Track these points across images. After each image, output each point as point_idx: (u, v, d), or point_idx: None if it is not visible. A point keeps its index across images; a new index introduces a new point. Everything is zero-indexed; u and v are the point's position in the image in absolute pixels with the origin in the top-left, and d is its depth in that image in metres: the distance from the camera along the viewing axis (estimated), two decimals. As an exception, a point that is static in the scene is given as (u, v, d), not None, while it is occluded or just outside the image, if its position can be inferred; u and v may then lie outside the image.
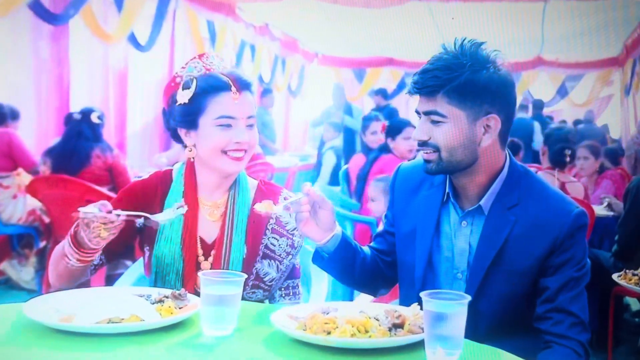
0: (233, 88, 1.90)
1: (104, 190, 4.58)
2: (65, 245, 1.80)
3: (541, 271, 1.77)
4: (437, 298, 1.38)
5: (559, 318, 1.73)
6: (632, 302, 4.80)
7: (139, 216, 1.76)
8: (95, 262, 1.94)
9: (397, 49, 11.14)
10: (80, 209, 1.68)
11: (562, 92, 12.88)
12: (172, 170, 2.04)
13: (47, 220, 4.91)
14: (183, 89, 1.92)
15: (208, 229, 1.97)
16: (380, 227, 2.10)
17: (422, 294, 1.39)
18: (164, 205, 1.96)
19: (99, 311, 1.50)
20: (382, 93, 9.96)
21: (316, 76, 12.59)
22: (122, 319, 1.49)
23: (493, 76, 1.74)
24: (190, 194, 1.97)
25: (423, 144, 1.79)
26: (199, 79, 1.92)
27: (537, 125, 9.22)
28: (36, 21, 6.04)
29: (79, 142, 4.71)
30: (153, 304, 1.60)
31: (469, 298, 1.39)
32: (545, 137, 4.76)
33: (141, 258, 2.16)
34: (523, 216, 1.77)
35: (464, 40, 1.76)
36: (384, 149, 5.25)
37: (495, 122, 1.75)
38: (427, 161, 1.80)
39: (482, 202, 1.80)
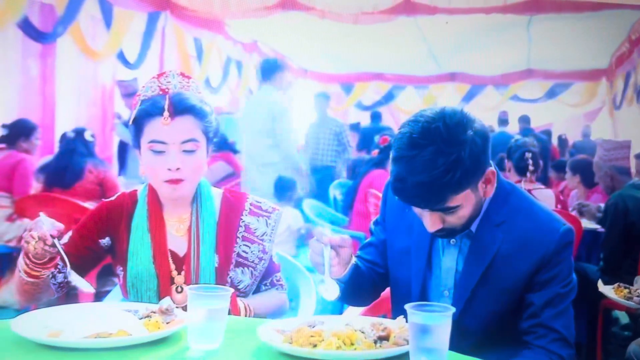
0: (166, 113, 1.87)
1: (93, 206, 4.55)
2: (19, 258, 1.81)
3: (527, 287, 1.78)
4: (422, 310, 1.39)
5: (541, 333, 1.75)
6: (620, 315, 4.81)
7: (63, 258, 1.77)
8: (59, 280, 1.96)
9: (385, 63, 11.22)
10: (41, 215, 1.74)
11: (550, 94, 12.83)
12: (137, 191, 2.05)
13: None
14: (131, 110, 1.96)
15: (179, 244, 1.99)
16: (370, 238, 2.07)
17: (407, 306, 1.40)
18: (131, 226, 1.98)
19: (87, 326, 1.50)
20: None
21: (305, 91, 12.62)
22: (110, 334, 1.49)
23: (476, 142, 1.65)
24: (154, 212, 1.98)
25: (437, 231, 1.76)
26: (143, 101, 1.93)
27: None
28: (25, 39, 6.06)
29: (72, 158, 4.75)
30: (141, 319, 1.61)
31: (453, 310, 1.40)
32: (507, 153, 4.79)
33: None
34: (510, 234, 1.78)
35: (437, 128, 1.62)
36: (376, 163, 5.26)
37: (492, 172, 1.74)
38: (440, 233, 1.78)
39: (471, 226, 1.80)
